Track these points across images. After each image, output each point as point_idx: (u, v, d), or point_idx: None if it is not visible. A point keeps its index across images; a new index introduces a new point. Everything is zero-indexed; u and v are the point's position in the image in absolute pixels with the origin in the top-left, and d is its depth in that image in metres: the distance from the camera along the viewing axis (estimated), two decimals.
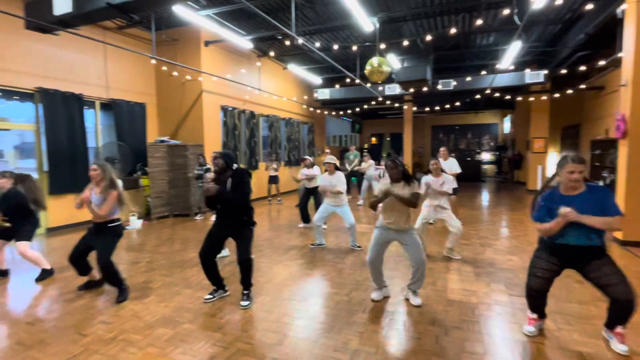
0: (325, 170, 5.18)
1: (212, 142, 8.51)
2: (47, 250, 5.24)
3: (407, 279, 3.36)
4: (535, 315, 2.69)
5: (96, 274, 3.64)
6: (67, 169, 6.48)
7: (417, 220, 4.39)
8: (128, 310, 3.14)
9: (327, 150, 11.32)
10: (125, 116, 7.60)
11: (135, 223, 6.75)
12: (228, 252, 4.71)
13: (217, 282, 3.33)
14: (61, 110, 6.38)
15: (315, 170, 6.28)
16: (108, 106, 7.43)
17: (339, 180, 4.98)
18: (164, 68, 8.01)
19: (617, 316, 2.40)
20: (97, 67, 7.16)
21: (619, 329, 2.46)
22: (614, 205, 2.32)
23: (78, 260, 3.46)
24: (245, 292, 3.24)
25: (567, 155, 2.42)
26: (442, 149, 6.42)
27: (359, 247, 5.01)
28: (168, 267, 4.30)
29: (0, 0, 5.45)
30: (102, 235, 3.35)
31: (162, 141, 7.68)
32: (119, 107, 7.45)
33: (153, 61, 6.84)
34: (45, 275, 3.98)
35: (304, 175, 6.30)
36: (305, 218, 6.46)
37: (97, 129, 7.35)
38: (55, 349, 2.53)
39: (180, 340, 2.61)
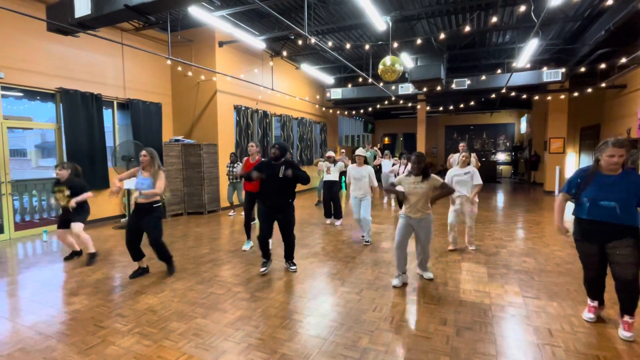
0: (353, 162, 5.35)
1: (226, 141, 8.62)
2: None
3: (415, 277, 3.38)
4: (595, 303, 2.83)
5: (144, 262, 4.00)
6: (86, 167, 6.65)
7: (450, 216, 4.80)
8: (143, 304, 3.22)
9: (343, 150, 11.36)
10: (142, 116, 7.77)
11: None
12: (252, 244, 5.09)
13: (268, 255, 4.07)
14: (80, 110, 6.57)
15: (334, 165, 6.56)
16: (125, 106, 7.62)
17: (369, 172, 5.16)
18: (179, 68, 8.16)
19: (622, 300, 2.57)
20: (115, 68, 7.35)
21: (626, 318, 2.58)
22: None
23: (132, 244, 3.83)
24: (290, 260, 4.09)
25: (608, 140, 2.55)
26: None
27: (367, 242, 5.19)
28: (182, 264, 4.37)
29: (23, 3, 5.68)
30: (147, 216, 3.74)
31: (177, 140, 7.83)
32: (135, 106, 7.62)
33: (168, 62, 6.99)
34: (93, 258, 4.44)
35: (326, 167, 6.51)
36: (338, 214, 6.54)
37: (114, 128, 7.54)
38: (74, 339, 2.62)
39: (194, 335, 2.66)
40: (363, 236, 5.29)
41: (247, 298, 3.32)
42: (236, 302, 3.25)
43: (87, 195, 4.44)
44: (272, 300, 3.28)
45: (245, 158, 5.06)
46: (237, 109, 8.94)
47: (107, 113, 7.32)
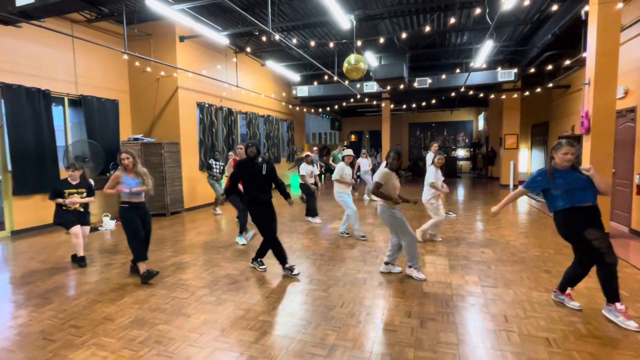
0: (343, 160, 5.71)
1: (189, 139, 8.33)
2: (13, 253, 4.99)
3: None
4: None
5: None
6: (34, 168, 6.18)
7: (442, 209, 5.12)
8: (100, 313, 3.04)
9: (315, 149, 11.39)
10: (96, 113, 7.31)
11: (108, 224, 6.53)
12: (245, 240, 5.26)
13: (261, 252, 4.15)
14: (26, 107, 6.06)
15: (316, 167, 6.96)
16: (78, 103, 7.13)
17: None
18: (137, 64, 7.76)
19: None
20: (66, 62, 6.85)
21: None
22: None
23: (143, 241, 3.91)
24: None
25: (562, 140, 2.84)
26: (436, 151, 5.62)
27: (347, 234, 5.54)
28: None
29: None
30: (144, 211, 3.99)
31: (136, 139, 7.45)
32: (89, 103, 7.16)
33: (125, 56, 6.62)
34: (78, 260, 4.39)
35: (308, 173, 6.65)
36: (314, 212, 6.76)
37: (65, 127, 7.04)
38: (20, 356, 2.42)
39: (155, 342, 2.55)
40: (347, 233, 5.57)
41: (212, 301, 3.23)
42: (201, 305, 3.15)
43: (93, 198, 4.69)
44: (239, 302, 3.22)
45: (233, 158, 5.05)
46: (200, 106, 8.67)
47: (57, 110, 6.82)
